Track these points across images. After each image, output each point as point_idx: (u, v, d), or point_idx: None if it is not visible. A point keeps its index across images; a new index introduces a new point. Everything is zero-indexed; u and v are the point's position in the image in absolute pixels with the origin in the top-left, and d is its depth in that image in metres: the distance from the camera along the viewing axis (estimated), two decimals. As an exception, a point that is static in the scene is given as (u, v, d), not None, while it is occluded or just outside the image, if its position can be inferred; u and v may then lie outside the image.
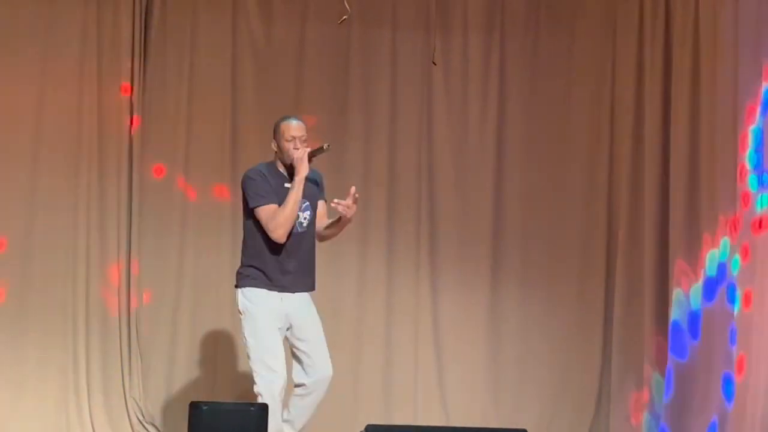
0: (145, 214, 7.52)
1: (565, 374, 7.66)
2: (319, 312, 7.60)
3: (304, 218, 6.08)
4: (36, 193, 7.38)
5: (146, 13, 7.55)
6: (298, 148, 5.99)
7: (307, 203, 6.09)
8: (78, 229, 7.39)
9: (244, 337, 6.08)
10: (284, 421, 6.17)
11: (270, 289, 6.06)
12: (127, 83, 7.45)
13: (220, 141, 7.61)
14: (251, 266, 6.07)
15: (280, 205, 5.97)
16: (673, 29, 7.22)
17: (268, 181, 6.02)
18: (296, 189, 5.94)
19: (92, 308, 7.36)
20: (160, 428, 7.43)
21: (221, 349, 7.56)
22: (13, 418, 7.21)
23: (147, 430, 7.37)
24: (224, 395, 7.39)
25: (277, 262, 6.03)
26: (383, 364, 7.66)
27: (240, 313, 6.11)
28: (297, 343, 6.16)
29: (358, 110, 7.73)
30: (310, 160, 6.02)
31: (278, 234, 5.93)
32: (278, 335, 6.07)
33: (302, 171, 5.95)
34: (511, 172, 7.78)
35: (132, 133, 7.48)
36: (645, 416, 7.25)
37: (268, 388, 5.97)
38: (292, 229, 5.99)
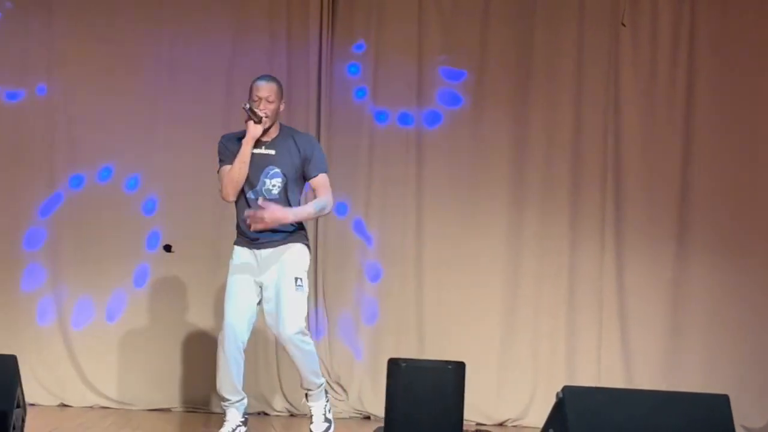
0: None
1: (754, 341, 7.52)
2: (497, 274, 7.61)
3: (273, 185, 5.97)
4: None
5: (334, -21, 7.67)
6: (263, 109, 5.91)
7: (277, 170, 5.96)
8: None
9: None
10: None
11: (244, 246, 6.01)
12: (315, 50, 7.54)
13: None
14: (237, 226, 6.09)
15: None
16: None
17: (227, 146, 5.99)
18: (241, 151, 5.87)
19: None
20: (345, 387, 7.54)
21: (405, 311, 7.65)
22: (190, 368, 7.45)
23: (332, 388, 7.45)
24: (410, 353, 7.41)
25: (246, 225, 5.94)
26: (566, 328, 7.61)
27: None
28: (264, 303, 6.05)
29: (543, 73, 7.67)
30: (251, 120, 5.87)
31: (223, 194, 5.95)
32: (245, 289, 6.00)
33: (248, 133, 5.89)
34: (700, 136, 7.64)
35: (321, 103, 7.59)
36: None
37: (220, 338, 5.95)
38: (257, 195, 5.92)
